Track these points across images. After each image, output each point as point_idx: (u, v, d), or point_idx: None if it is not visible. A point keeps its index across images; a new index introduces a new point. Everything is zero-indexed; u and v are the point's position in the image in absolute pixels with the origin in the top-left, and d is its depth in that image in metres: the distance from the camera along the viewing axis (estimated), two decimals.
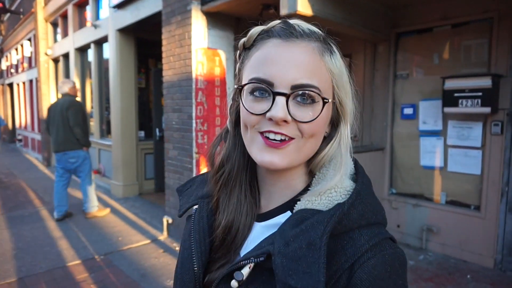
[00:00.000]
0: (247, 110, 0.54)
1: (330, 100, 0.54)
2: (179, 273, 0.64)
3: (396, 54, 3.89)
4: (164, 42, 4.09)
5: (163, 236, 4.16)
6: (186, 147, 3.83)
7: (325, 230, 0.49)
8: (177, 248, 3.83)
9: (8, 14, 12.16)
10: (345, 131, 0.59)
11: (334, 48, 0.58)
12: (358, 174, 0.58)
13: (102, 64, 6.67)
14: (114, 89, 5.80)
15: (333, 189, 0.54)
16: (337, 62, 0.56)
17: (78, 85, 7.42)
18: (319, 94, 0.52)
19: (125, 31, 5.64)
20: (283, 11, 2.83)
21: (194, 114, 3.72)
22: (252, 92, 0.54)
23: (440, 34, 3.54)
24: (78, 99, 4.77)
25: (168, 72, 4.05)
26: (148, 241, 4.04)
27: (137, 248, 3.84)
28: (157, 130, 5.75)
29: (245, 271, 0.55)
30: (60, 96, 4.80)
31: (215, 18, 3.78)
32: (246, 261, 0.55)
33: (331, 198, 0.54)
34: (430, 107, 3.63)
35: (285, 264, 0.49)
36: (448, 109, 3.33)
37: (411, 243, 3.79)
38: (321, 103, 0.53)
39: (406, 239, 3.83)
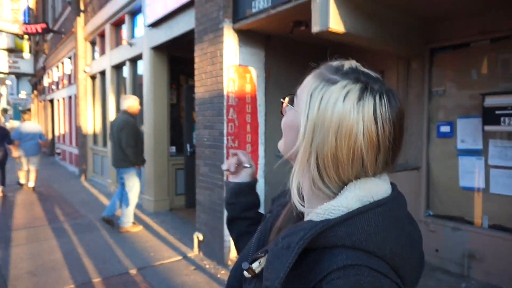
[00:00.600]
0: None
1: (292, 108, 0.65)
2: (238, 258, 0.80)
3: (430, 70, 3.76)
4: (196, 60, 4.17)
5: (193, 253, 4.16)
6: (217, 164, 3.84)
7: (304, 236, 0.53)
8: (208, 266, 3.81)
9: (51, 34, 12.88)
10: (303, 157, 0.59)
11: (342, 84, 0.57)
12: (376, 202, 0.56)
13: (136, 81, 6.89)
14: (147, 105, 5.97)
15: (337, 206, 0.56)
16: (321, 90, 0.58)
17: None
18: (293, 101, 0.65)
19: (159, 49, 5.82)
20: (315, 28, 2.81)
21: (225, 131, 3.74)
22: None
23: (478, 49, 3.41)
24: (133, 117, 4.93)
25: (200, 89, 4.12)
26: (179, 257, 4.05)
27: (168, 265, 3.86)
28: (188, 145, 5.83)
29: (255, 264, 0.65)
30: (120, 112, 4.96)
31: (246, 36, 3.82)
32: (258, 255, 0.67)
33: (330, 214, 0.55)
34: (468, 125, 3.47)
35: (269, 259, 0.58)
36: (489, 127, 3.16)
37: (451, 270, 3.57)
38: (290, 107, 0.66)
39: (446, 265, 3.62)
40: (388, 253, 0.54)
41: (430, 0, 3.00)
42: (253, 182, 0.98)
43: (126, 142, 4.69)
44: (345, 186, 0.57)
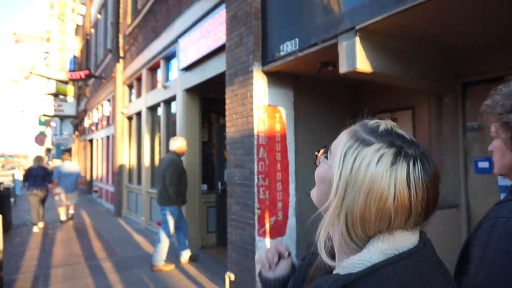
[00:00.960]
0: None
1: (325, 162, 0.67)
2: None
3: (464, 105, 3.69)
4: (227, 101, 4.31)
5: None
6: (248, 203, 3.85)
7: None
8: None
9: (93, 79, 13.77)
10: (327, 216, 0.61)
11: (377, 146, 0.58)
12: (399, 255, 0.57)
13: (170, 120, 7.17)
14: None
15: (360, 260, 0.57)
16: (355, 151, 0.59)
17: (157, 141, 7.98)
18: (327, 154, 0.68)
19: (191, 90, 6.08)
20: (342, 69, 2.87)
21: (256, 170, 3.77)
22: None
23: None
24: (179, 157, 5.21)
25: (231, 129, 4.22)
26: None
27: None
28: (219, 183, 5.90)
29: None
30: (169, 152, 5.25)
31: (275, 77, 3.94)
32: None
33: (354, 268, 0.57)
34: None
35: None
36: None
37: None
38: (323, 160, 0.69)
39: None
40: None
41: (459, 36, 3.00)
42: (293, 273, 0.86)
43: (169, 180, 4.92)
44: (370, 240, 0.58)
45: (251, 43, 3.88)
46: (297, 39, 3.41)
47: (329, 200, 0.61)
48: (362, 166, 0.57)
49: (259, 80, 3.86)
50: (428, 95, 3.92)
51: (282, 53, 3.60)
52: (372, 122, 0.64)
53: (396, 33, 2.83)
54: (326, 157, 0.68)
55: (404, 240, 0.57)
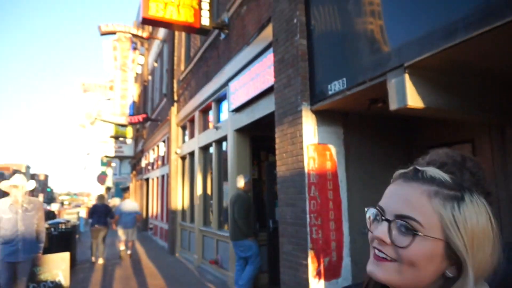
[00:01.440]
0: (368, 227, 0.68)
1: (430, 237, 0.59)
2: None
3: None
4: (277, 140, 4.38)
5: None
6: (301, 242, 3.79)
7: None
8: None
9: (149, 122, 14.67)
10: (468, 280, 0.59)
11: (469, 198, 0.62)
12: None
13: (221, 159, 7.38)
14: (231, 181, 6.27)
15: None
16: (459, 211, 0.60)
17: (209, 180, 8.23)
18: (415, 227, 0.60)
19: (241, 130, 6.26)
20: (393, 106, 2.84)
21: (307, 209, 3.74)
22: (375, 215, 0.67)
23: None
24: (246, 193, 5.57)
25: (281, 168, 4.26)
26: None
27: None
28: (270, 221, 5.87)
29: None
30: (236, 189, 5.61)
31: (323, 116, 3.96)
32: None
33: None
34: None
35: None
36: None
37: None
38: (422, 236, 0.60)
39: None
40: None
41: None
42: None
43: (238, 213, 5.20)
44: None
45: (299, 83, 3.98)
46: (344, 78, 3.45)
47: (464, 270, 0.59)
48: (474, 224, 0.60)
49: (308, 119, 3.91)
50: (489, 127, 3.71)
51: (330, 92, 3.64)
52: (449, 177, 0.64)
53: (448, 67, 2.77)
54: (407, 228, 0.61)
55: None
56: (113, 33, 15.37)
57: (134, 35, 15.37)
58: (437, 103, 2.82)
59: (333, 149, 3.96)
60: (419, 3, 2.70)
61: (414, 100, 2.73)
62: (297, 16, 4.07)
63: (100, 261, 8.75)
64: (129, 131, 20.21)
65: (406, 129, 4.53)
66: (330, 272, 3.74)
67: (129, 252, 9.41)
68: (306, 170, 3.80)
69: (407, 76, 2.73)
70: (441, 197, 0.61)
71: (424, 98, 2.76)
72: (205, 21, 6.94)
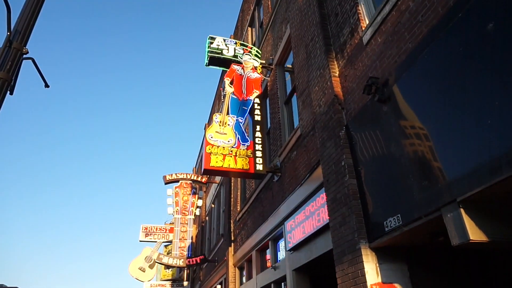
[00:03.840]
0: None
1: None
2: None
3: None
4: (338, 281, 4.21)
5: None
6: None
7: None
8: None
9: (206, 263, 14.58)
10: None
11: None
12: None
13: None
14: None
15: None
16: None
17: None
18: None
19: (300, 270, 6.06)
20: (454, 241, 2.78)
21: None
22: None
23: None
24: None
25: None
26: None
27: None
28: None
29: None
30: None
31: (384, 253, 3.85)
32: None
33: None
34: None
35: None
36: None
37: None
38: None
39: None
40: None
41: None
42: None
43: None
44: None
45: (354, 221, 4.03)
46: (399, 215, 3.48)
47: None
48: None
49: (368, 257, 3.81)
50: None
51: (386, 229, 3.64)
52: None
53: (506, 198, 2.76)
54: None
55: None
56: (176, 181, 16.84)
57: (194, 181, 16.68)
58: (504, 235, 2.72)
59: None
60: (465, 140, 2.85)
61: (476, 234, 2.67)
62: (344, 159, 4.40)
63: None
64: (184, 273, 19.95)
65: (482, 262, 4.19)
66: None
67: None
68: None
69: (462, 211, 2.74)
70: None
71: (487, 231, 2.69)
72: (259, 167, 7.56)
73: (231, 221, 10.99)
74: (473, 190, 2.64)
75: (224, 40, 9.09)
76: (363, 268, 3.75)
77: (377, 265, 3.79)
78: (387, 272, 3.78)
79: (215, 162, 7.64)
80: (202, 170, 7.93)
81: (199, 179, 16.64)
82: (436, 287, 3.86)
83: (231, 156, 7.72)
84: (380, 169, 3.88)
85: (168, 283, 20.98)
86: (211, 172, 7.98)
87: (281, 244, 7.07)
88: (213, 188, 16.27)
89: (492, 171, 2.51)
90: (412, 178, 3.37)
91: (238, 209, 10.49)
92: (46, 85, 3.79)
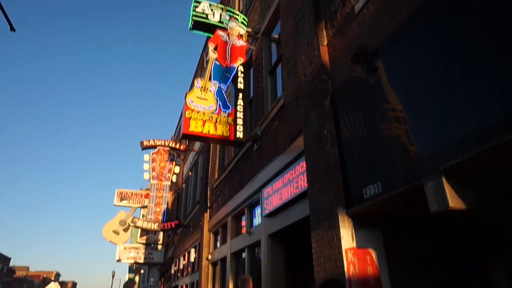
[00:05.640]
0: None
1: None
2: None
3: None
4: (313, 245, 4.21)
5: None
6: None
7: None
8: None
9: (181, 228, 14.56)
10: None
11: None
12: None
13: (254, 265, 7.01)
14: (266, 286, 5.85)
15: None
16: None
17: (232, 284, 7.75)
18: None
19: (275, 236, 6.07)
20: (433, 208, 2.77)
21: None
22: None
23: None
24: None
25: (320, 274, 3.99)
26: None
27: None
28: None
29: None
30: None
31: (361, 220, 3.85)
32: None
33: None
34: None
35: None
36: None
37: None
38: None
39: None
40: None
41: None
42: None
43: None
44: None
45: (333, 189, 3.99)
46: (379, 183, 3.44)
47: None
48: None
49: (344, 223, 3.80)
50: None
51: (365, 196, 3.61)
52: None
53: (485, 169, 2.74)
54: None
55: None
56: (154, 147, 16.46)
57: (172, 148, 16.37)
58: (480, 205, 2.73)
59: (373, 253, 3.74)
60: (450, 111, 2.79)
61: (455, 201, 2.66)
62: (327, 128, 4.30)
63: None
64: (160, 238, 19.95)
65: (454, 230, 4.25)
66: None
67: None
68: (346, 276, 3.55)
69: (444, 179, 2.71)
70: None
71: (465, 200, 2.68)
72: (240, 134, 7.40)
73: (208, 189, 10.89)
74: (457, 159, 2.60)
75: (210, 5, 8.62)
76: (339, 233, 3.75)
77: (353, 231, 3.80)
78: (362, 238, 3.79)
79: (194, 127, 7.41)
80: (181, 135, 7.67)
81: (177, 146, 16.33)
82: (408, 255, 3.93)
83: (211, 122, 7.51)
84: (364, 138, 3.81)
85: (142, 247, 20.93)
86: (190, 137, 7.77)
87: (257, 211, 7.06)
88: (191, 156, 16.04)
89: (476, 141, 2.47)
90: (396, 148, 3.32)
91: (216, 177, 10.38)
92: (12, 29, 3.39)
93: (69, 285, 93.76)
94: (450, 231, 4.23)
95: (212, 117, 7.50)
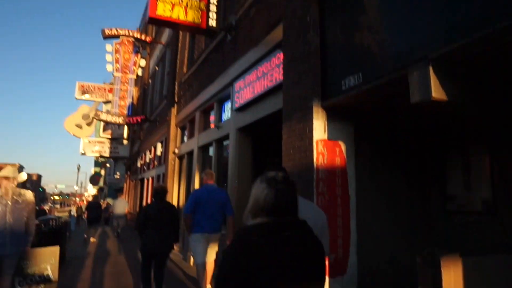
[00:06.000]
0: None
1: None
2: None
3: None
4: (284, 136, 4.16)
5: None
6: None
7: None
8: None
9: (147, 123, 14.32)
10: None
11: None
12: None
13: (222, 159, 7.11)
14: (232, 180, 6.01)
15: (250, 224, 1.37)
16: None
17: (198, 179, 7.94)
18: None
19: (244, 130, 6.03)
20: (414, 99, 2.66)
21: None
22: None
23: None
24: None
25: (288, 164, 4.03)
26: None
27: None
28: None
29: None
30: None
31: (334, 112, 3.76)
32: None
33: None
34: None
35: None
36: None
37: None
38: None
39: None
40: None
41: None
42: None
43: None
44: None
45: (310, 80, 3.79)
46: (360, 73, 3.26)
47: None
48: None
49: (318, 115, 3.71)
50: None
51: (343, 88, 3.46)
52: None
53: (473, 61, 2.60)
54: None
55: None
56: (117, 36, 15.08)
57: (137, 39, 15.11)
58: (461, 97, 2.65)
59: (343, 145, 3.76)
60: None
61: (438, 92, 2.55)
62: (311, 13, 3.91)
63: (92, 239, 11.22)
64: (125, 132, 19.76)
65: (420, 128, 4.32)
66: (335, 269, 3.50)
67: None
68: (315, 166, 3.59)
69: (431, 68, 2.56)
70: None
71: (448, 92, 2.58)
72: (212, 22, 6.76)
73: (176, 83, 10.41)
74: (447, 47, 2.42)
75: None
76: (312, 124, 3.67)
77: (326, 123, 3.73)
78: (334, 131, 3.76)
79: (162, 10, 6.65)
80: (147, 19, 6.88)
81: (142, 37, 15.04)
82: (376, 149, 4.00)
83: (181, 7, 6.74)
84: (349, 25, 3.49)
85: (107, 141, 20.78)
86: (156, 22, 7.02)
87: (227, 105, 6.87)
88: (158, 50, 14.97)
89: (468, 29, 2.27)
90: (382, 36, 3.06)
91: (185, 71, 9.83)
92: None
93: (34, 177, 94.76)
94: (418, 132, 4.31)
95: (182, 1, 6.70)
